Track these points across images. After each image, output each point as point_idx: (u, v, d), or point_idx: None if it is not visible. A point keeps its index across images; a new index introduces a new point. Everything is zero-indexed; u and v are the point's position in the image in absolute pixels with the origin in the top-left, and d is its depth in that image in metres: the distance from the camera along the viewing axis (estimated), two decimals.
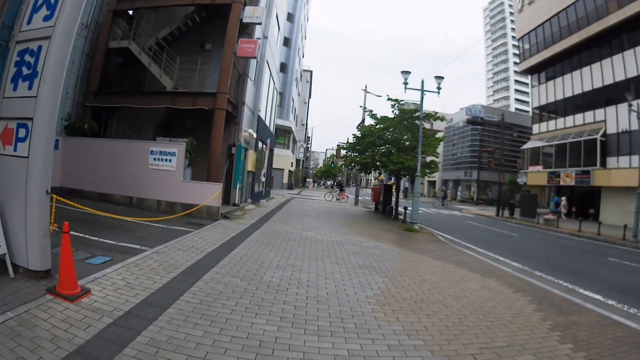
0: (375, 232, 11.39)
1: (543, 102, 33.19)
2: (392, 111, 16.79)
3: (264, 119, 18.17)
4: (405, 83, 13.63)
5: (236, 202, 12.81)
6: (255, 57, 12.85)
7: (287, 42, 43.00)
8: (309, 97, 65.36)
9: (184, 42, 14.45)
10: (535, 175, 32.34)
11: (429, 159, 16.78)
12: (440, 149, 36.31)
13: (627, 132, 23.81)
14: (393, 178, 20.88)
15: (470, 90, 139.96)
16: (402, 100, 17.35)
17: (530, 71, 34.93)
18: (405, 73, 13.55)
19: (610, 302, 5.87)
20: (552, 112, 32.10)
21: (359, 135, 17.64)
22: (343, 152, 18.64)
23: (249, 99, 14.55)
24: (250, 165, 14.89)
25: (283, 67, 41.13)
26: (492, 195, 46.97)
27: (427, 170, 16.20)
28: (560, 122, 30.99)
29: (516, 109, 72.09)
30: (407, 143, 16.18)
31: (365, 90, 26.72)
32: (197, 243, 7.02)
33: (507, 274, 7.04)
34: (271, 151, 22.55)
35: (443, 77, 13.61)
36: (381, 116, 17.03)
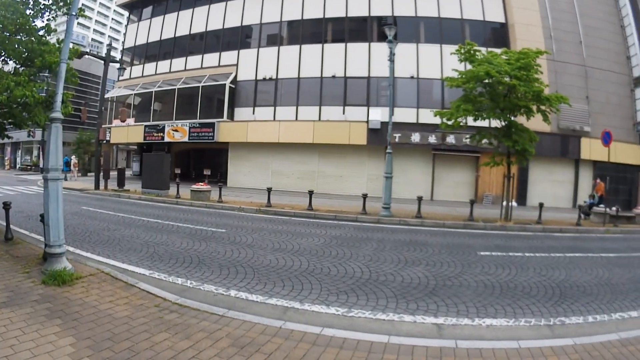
0: None
1: (142, 42, 26.22)
2: None
3: None
4: None
5: None
6: None
7: None
8: None
9: None
10: (122, 131, 25.32)
11: None
12: None
13: (272, 79, 20.57)
14: None
15: None
16: None
17: (131, 6, 28.01)
18: None
19: None
20: (152, 55, 25.75)
21: None
22: None
23: None
24: None
25: None
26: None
27: None
28: (163, 66, 24.76)
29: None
30: None
31: None
32: None
33: None
34: None
35: None
36: None
